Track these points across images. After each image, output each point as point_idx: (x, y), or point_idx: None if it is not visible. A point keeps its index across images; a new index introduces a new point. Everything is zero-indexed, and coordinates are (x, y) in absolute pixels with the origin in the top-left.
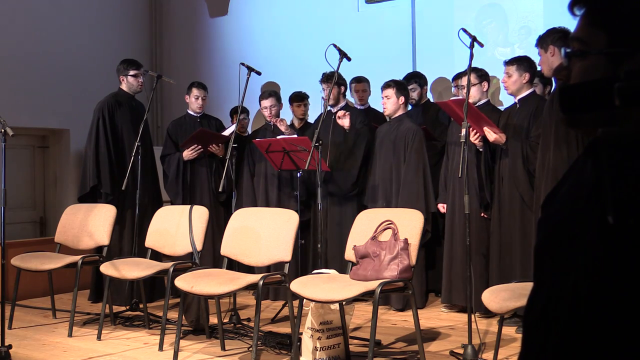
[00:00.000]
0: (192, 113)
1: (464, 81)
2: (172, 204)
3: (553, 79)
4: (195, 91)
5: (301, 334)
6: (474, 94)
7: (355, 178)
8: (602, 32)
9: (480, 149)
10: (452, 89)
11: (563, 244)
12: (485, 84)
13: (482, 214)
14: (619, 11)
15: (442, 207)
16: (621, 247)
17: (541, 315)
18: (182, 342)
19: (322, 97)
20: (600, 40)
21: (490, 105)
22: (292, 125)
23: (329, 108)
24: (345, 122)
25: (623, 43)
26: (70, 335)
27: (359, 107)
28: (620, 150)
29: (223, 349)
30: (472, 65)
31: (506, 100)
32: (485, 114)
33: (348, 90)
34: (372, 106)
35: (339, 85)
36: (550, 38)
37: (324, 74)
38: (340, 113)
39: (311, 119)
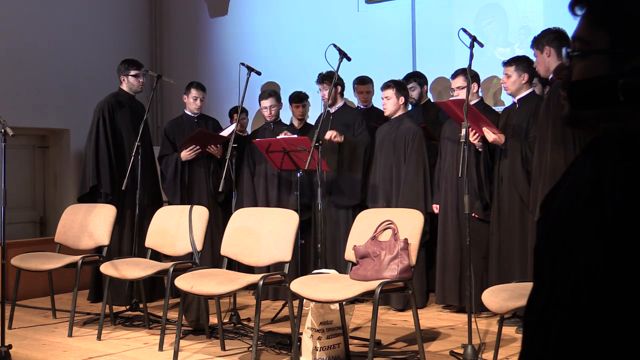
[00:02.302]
0: (190, 113)
1: (453, 83)
2: (170, 204)
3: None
4: (194, 92)
5: (301, 334)
6: (463, 96)
7: (360, 188)
8: (604, 31)
9: (480, 149)
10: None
11: (563, 244)
12: (474, 85)
13: (474, 214)
14: (621, 10)
15: (435, 208)
16: (621, 246)
17: (541, 315)
18: (182, 342)
19: (320, 95)
20: (602, 39)
21: (482, 106)
22: (291, 126)
23: (327, 108)
24: (338, 139)
25: (626, 42)
26: (70, 335)
27: (360, 108)
28: (620, 147)
29: (223, 349)
30: (469, 66)
31: (507, 100)
32: None
33: (350, 90)
34: (374, 105)
35: (335, 85)
36: (546, 39)
37: (319, 74)
38: (331, 135)
39: (311, 119)
